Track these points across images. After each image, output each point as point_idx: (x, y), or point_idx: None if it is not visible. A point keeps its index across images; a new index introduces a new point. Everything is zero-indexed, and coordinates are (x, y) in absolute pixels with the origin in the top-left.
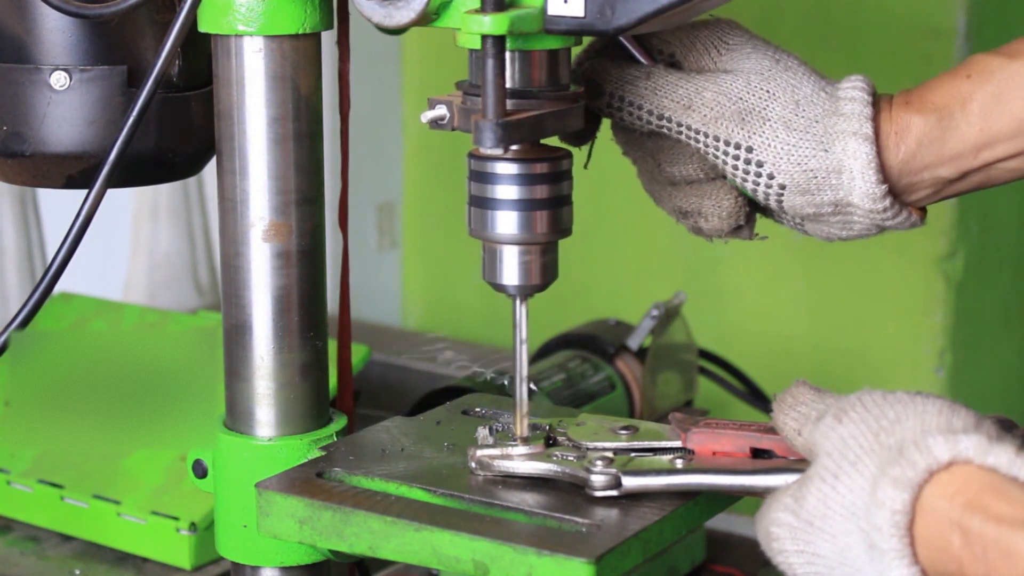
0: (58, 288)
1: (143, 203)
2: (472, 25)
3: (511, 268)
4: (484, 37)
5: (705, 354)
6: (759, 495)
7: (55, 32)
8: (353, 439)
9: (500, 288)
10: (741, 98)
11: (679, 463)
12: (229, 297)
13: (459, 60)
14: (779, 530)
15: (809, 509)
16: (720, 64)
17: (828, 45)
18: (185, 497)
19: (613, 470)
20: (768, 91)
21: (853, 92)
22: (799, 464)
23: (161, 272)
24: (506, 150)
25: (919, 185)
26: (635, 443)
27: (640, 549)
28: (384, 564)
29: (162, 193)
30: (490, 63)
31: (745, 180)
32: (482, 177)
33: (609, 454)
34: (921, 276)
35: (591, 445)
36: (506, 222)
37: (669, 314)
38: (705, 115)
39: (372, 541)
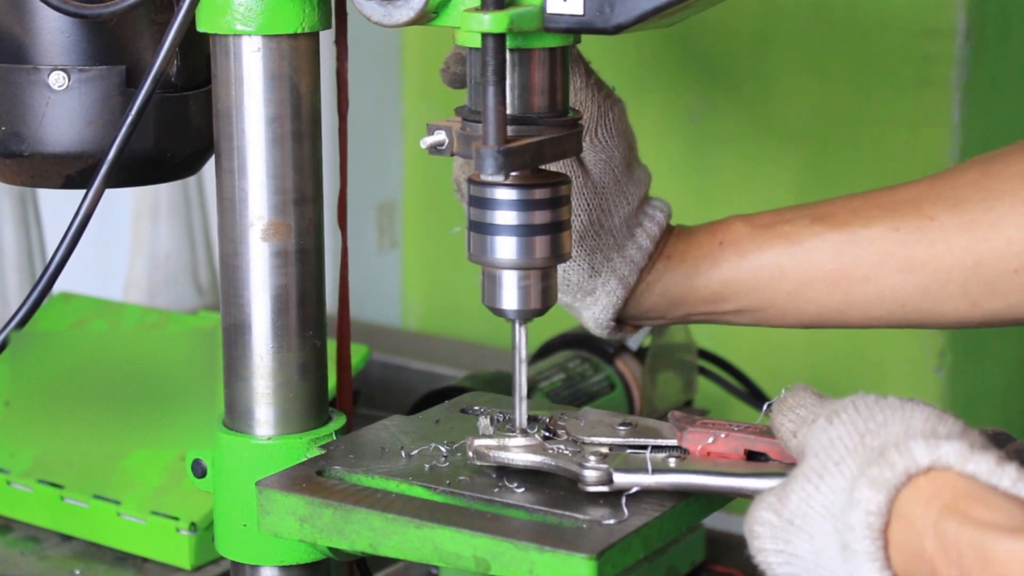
0: (58, 288)
1: (143, 203)
2: (471, 23)
3: (510, 293)
4: (484, 36)
5: (705, 354)
6: (748, 497)
7: (54, 32)
8: (352, 437)
9: (500, 313)
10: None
11: (672, 462)
12: (228, 296)
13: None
14: (761, 528)
15: (791, 508)
16: (585, 146)
17: (828, 45)
18: (185, 497)
19: (605, 466)
20: (588, 203)
21: (643, 239)
22: (791, 468)
23: (161, 272)
24: (507, 177)
25: (646, 318)
26: (631, 439)
27: (641, 545)
28: (384, 564)
29: (162, 193)
30: (491, 90)
31: None
32: (481, 203)
33: (604, 449)
34: None
35: (587, 440)
36: (505, 247)
37: None
38: None
39: (373, 538)
